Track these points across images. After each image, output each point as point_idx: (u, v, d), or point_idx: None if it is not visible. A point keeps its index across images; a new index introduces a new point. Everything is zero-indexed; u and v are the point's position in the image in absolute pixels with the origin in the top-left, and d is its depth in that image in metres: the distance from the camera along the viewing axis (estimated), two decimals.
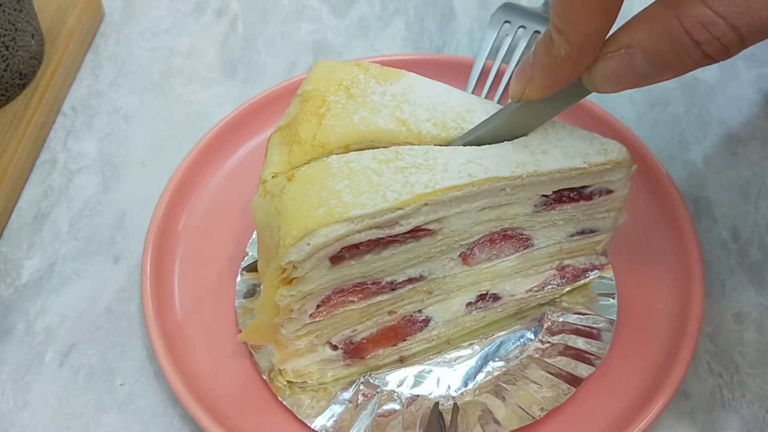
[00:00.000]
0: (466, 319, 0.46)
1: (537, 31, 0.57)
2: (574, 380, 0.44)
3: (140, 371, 0.46)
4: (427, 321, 0.45)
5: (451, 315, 0.45)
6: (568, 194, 0.42)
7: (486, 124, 0.40)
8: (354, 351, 0.43)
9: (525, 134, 0.41)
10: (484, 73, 0.55)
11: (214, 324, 0.47)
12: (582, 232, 0.45)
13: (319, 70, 0.42)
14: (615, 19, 0.32)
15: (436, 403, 0.43)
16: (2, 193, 0.52)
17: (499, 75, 0.55)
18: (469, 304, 0.45)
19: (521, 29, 0.57)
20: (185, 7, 0.65)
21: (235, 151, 0.53)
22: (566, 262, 0.47)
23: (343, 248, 0.37)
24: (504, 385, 0.44)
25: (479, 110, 0.42)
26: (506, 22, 0.58)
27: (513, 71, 0.54)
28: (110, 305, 0.49)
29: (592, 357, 0.45)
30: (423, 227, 0.39)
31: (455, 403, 0.43)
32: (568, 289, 0.47)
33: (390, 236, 0.38)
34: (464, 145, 0.40)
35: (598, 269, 0.47)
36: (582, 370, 0.44)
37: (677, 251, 0.48)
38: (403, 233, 0.38)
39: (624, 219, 0.46)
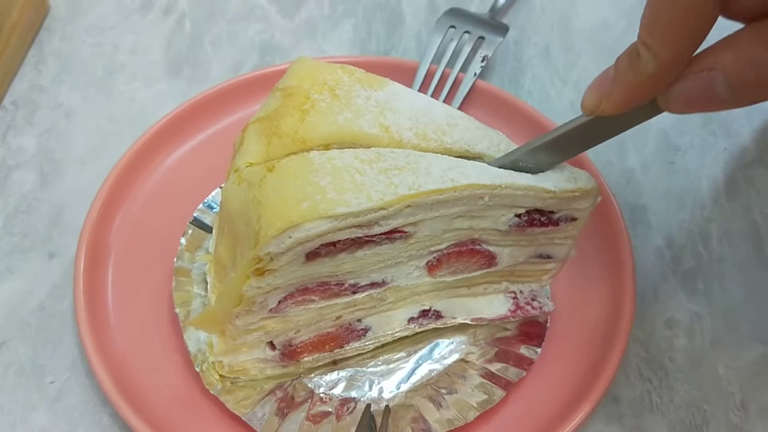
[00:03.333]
0: (404, 332, 0.46)
1: (481, 37, 0.57)
2: (506, 384, 0.44)
3: (71, 369, 0.46)
4: (365, 331, 0.45)
5: (391, 328, 0.45)
6: (539, 218, 0.42)
7: (543, 138, 0.39)
8: (290, 353, 0.43)
9: (578, 153, 0.41)
10: (429, 76, 0.55)
11: (148, 320, 0.46)
12: (539, 256, 0.45)
13: (303, 67, 0.42)
14: (704, 41, 0.31)
15: (368, 406, 0.43)
16: None
17: (443, 79, 0.56)
18: (411, 319, 0.45)
19: (466, 34, 0.58)
20: (132, 4, 0.64)
21: (175, 149, 0.53)
22: (512, 287, 0.46)
23: (321, 245, 0.37)
24: (436, 387, 0.44)
25: (460, 125, 0.42)
26: (451, 27, 0.58)
27: (456, 74, 0.55)
28: (43, 302, 0.48)
29: (525, 361, 0.45)
30: (400, 229, 0.39)
31: (387, 406, 0.43)
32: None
33: (368, 236, 0.38)
34: (507, 162, 0.40)
35: (547, 314, 0.47)
36: (513, 374, 0.44)
37: (611, 258, 0.48)
38: (381, 234, 0.39)
39: (574, 254, 0.46)
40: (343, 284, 0.41)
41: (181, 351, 0.45)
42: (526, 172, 0.41)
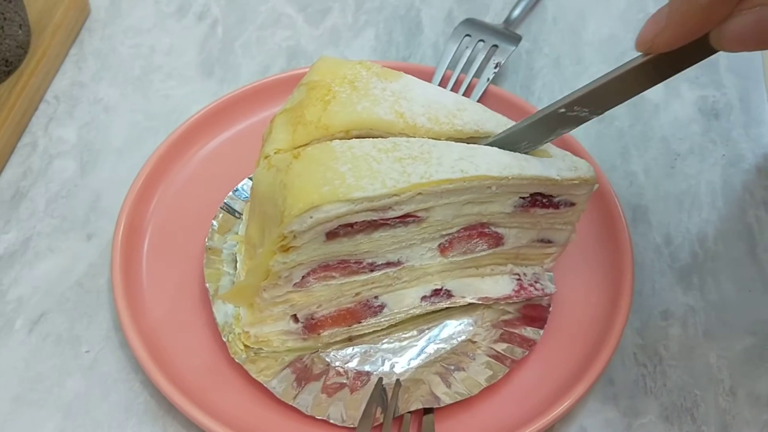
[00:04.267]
0: (417, 310, 0.49)
1: (495, 45, 0.61)
2: (510, 363, 0.47)
3: (105, 340, 0.49)
4: (381, 307, 0.48)
5: (405, 305, 0.49)
6: (540, 200, 0.46)
7: (596, 82, 0.39)
8: (312, 326, 0.47)
9: (624, 100, 0.40)
10: (444, 81, 0.59)
11: (179, 296, 0.50)
12: (541, 240, 0.49)
13: (325, 64, 0.46)
14: None
15: (380, 379, 0.47)
16: None
17: (457, 84, 0.59)
18: (423, 297, 0.49)
19: (480, 42, 0.61)
20: (168, 8, 0.68)
21: (207, 142, 0.57)
22: (517, 270, 0.50)
23: (339, 225, 0.41)
24: (445, 365, 0.47)
25: (469, 109, 0.46)
26: (467, 35, 0.62)
27: (470, 79, 0.59)
28: (81, 279, 0.52)
29: (528, 342, 0.48)
30: (413, 214, 0.43)
31: (398, 380, 0.47)
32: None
33: (383, 219, 0.42)
34: (561, 107, 0.41)
35: (548, 296, 0.50)
36: (518, 354, 0.48)
37: (612, 251, 0.51)
38: (395, 217, 0.42)
39: (574, 238, 0.49)
40: (361, 262, 0.45)
41: (210, 324, 0.48)
42: (533, 140, 0.43)
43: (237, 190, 0.53)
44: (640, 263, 0.53)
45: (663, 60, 0.37)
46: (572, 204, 0.47)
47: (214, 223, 0.51)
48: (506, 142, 0.44)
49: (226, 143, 0.57)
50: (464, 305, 0.50)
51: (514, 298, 0.50)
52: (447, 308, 0.50)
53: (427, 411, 0.46)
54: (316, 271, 0.44)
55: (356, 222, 0.42)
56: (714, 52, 0.35)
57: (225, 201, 0.52)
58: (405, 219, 0.43)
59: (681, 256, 0.54)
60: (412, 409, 0.45)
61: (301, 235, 0.41)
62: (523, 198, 0.45)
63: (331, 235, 0.42)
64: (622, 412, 0.47)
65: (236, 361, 0.46)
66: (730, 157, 0.60)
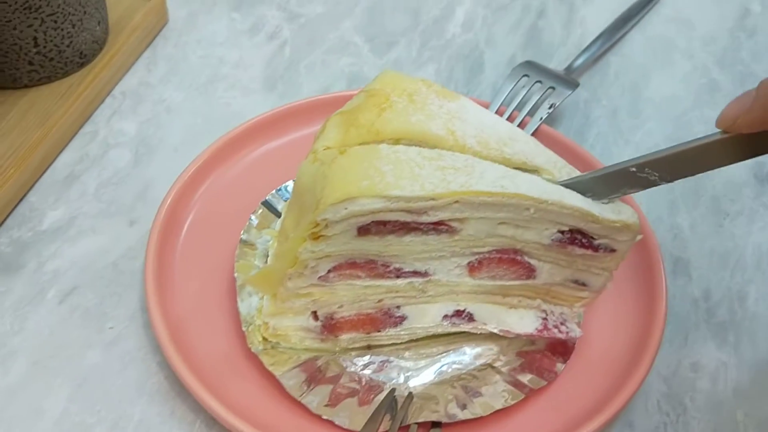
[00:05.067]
0: (437, 328, 0.48)
1: (552, 87, 0.61)
2: (528, 391, 0.46)
3: (131, 319, 0.50)
4: (402, 319, 0.48)
5: (425, 322, 0.48)
6: (580, 239, 0.45)
7: (672, 149, 0.40)
8: (331, 327, 0.47)
9: (697, 172, 0.41)
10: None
11: (208, 285, 0.51)
12: (575, 281, 0.48)
13: (387, 76, 0.47)
14: None
15: (393, 389, 0.46)
16: (41, 150, 0.57)
17: (510, 120, 0.59)
18: (445, 316, 0.48)
19: (538, 84, 0.62)
20: (242, 26, 0.71)
21: (258, 147, 0.58)
22: (545, 306, 0.49)
23: (372, 222, 0.42)
24: (461, 384, 0.47)
25: (520, 141, 0.46)
26: (525, 75, 0.62)
27: (523, 116, 0.59)
28: (117, 261, 0.53)
29: (546, 373, 0.47)
30: (447, 222, 0.43)
31: (410, 393, 0.46)
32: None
33: (416, 222, 0.42)
34: (632, 165, 0.41)
35: (573, 340, 0.49)
36: (536, 382, 0.47)
37: (646, 294, 0.50)
38: (428, 223, 0.42)
39: (609, 287, 0.49)
40: (388, 266, 0.45)
41: (233, 315, 0.48)
42: (597, 193, 0.43)
43: (280, 189, 0.54)
44: (674, 313, 0.52)
45: (743, 141, 0.37)
46: (612, 250, 0.46)
47: (252, 217, 0.52)
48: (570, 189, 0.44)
49: (277, 150, 0.58)
50: (485, 333, 0.49)
51: (536, 337, 0.48)
52: (468, 333, 0.49)
53: (435, 425, 0.45)
54: (343, 267, 0.44)
55: (389, 221, 0.42)
56: None
57: (266, 198, 0.53)
58: (438, 227, 0.43)
59: (719, 312, 0.53)
60: (420, 420, 0.44)
61: (334, 225, 0.41)
62: (562, 233, 0.45)
63: (363, 230, 0.42)
64: None
65: (252, 351, 0.46)
66: None
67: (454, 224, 0.43)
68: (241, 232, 0.51)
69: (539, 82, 0.62)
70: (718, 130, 0.38)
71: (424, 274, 0.46)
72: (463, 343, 0.49)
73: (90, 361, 0.48)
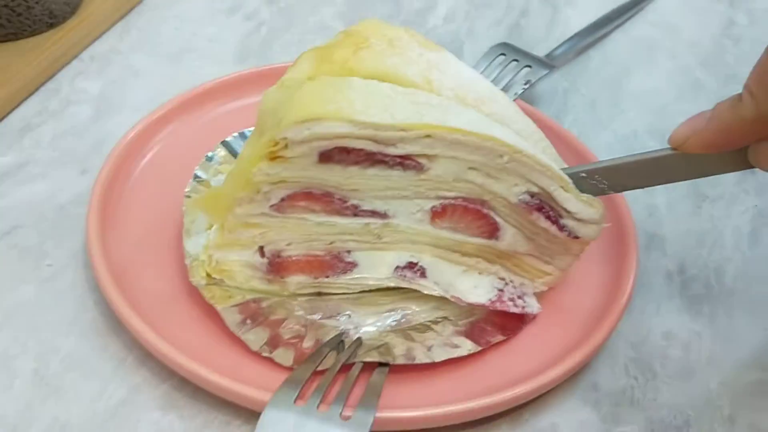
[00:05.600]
0: (387, 281, 0.45)
1: (528, 66, 0.60)
2: (484, 343, 0.43)
3: (71, 259, 0.48)
4: (352, 265, 0.45)
5: (376, 272, 0.45)
6: (547, 211, 0.43)
7: (622, 159, 0.41)
8: (278, 266, 0.44)
9: (638, 187, 0.42)
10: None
11: (156, 228, 0.48)
12: (540, 254, 0.45)
13: (369, 21, 0.45)
14: None
15: (341, 333, 0.43)
16: None
17: None
18: (397, 267, 0.45)
19: (514, 62, 0.60)
20: (220, 6, 0.70)
21: (217, 107, 0.56)
22: (503, 274, 0.46)
23: (336, 148, 0.39)
24: (413, 333, 0.44)
25: (500, 102, 0.44)
26: (501, 54, 0.61)
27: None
28: (64, 205, 0.51)
29: (510, 330, 0.44)
30: (415, 157, 0.40)
31: (359, 338, 0.43)
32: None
33: (382, 154, 0.40)
34: (582, 171, 0.42)
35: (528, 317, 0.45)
36: (491, 336, 0.44)
37: (616, 260, 0.48)
38: (395, 156, 0.40)
39: (572, 267, 0.46)
40: (345, 201, 0.42)
41: (180, 256, 0.45)
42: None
43: (243, 132, 0.51)
44: (647, 285, 0.49)
45: (692, 160, 0.37)
46: (576, 237, 0.44)
47: (210, 154, 0.49)
48: None
49: (239, 110, 0.56)
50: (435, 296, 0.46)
51: (487, 308, 0.45)
52: (418, 293, 0.45)
53: (381, 366, 0.41)
54: (297, 198, 0.42)
55: (354, 149, 0.40)
56: (748, 167, 0.36)
57: (226, 139, 0.50)
58: (405, 161, 0.41)
59: (694, 286, 0.50)
60: (366, 359, 0.41)
61: (294, 146, 0.39)
62: (531, 195, 0.42)
63: (325, 157, 0.40)
64: (601, 417, 0.43)
65: (193, 284, 0.43)
66: (762, 209, 0.56)
67: (422, 161, 0.41)
68: (196, 168, 0.48)
69: (515, 60, 0.60)
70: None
71: (383, 216, 0.43)
72: (413, 303, 0.46)
73: (22, 296, 0.45)
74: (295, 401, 0.38)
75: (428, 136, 0.40)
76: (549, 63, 0.61)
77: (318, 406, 0.38)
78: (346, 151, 0.40)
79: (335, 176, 0.41)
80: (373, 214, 0.43)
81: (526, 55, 0.61)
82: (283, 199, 0.41)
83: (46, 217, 0.50)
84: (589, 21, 0.71)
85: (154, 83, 0.61)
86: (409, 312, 0.45)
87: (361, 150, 0.40)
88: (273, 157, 0.39)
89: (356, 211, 0.43)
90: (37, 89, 0.59)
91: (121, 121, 0.57)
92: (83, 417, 0.40)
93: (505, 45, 0.62)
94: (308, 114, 0.38)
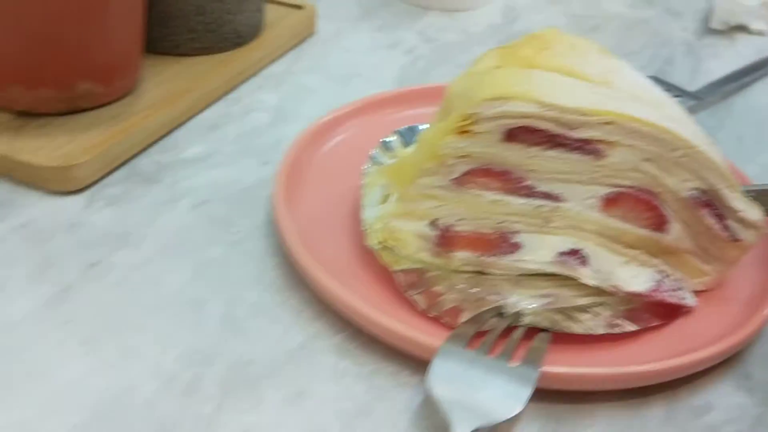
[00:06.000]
0: (549, 266, 0.48)
1: (678, 95, 0.63)
2: (643, 323, 0.45)
3: (255, 229, 0.52)
4: (517, 247, 0.47)
5: (539, 256, 0.48)
6: (714, 208, 0.45)
7: None
8: (446, 240, 0.47)
9: None
10: None
11: (336, 204, 0.52)
12: (702, 252, 0.47)
13: (552, 30, 0.49)
14: None
15: (500, 306, 0.45)
16: (189, 99, 0.62)
17: None
18: (560, 253, 0.48)
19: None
20: (382, 42, 0.76)
21: (383, 116, 0.61)
22: (663, 267, 0.48)
23: (521, 127, 0.43)
24: (571, 312, 0.46)
25: (674, 108, 0.47)
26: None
27: None
28: (247, 187, 0.56)
29: (662, 317, 0.46)
30: (595, 142, 0.43)
31: (519, 311, 0.45)
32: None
33: (564, 137, 0.43)
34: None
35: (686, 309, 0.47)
36: (648, 322, 0.45)
37: None
38: (576, 139, 0.43)
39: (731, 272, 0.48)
40: (522, 181, 0.45)
41: (354, 231, 0.50)
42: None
43: (412, 127, 0.55)
44: None
45: None
46: (737, 239, 0.46)
47: (386, 139, 0.54)
48: None
49: (404, 119, 0.60)
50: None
51: (646, 297, 0.47)
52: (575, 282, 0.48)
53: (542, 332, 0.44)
54: (477, 174, 0.45)
55: (538, 130, 0.43)
56: None
57: (399, 129, 0.55)
58: (585, 146, 0.44)
59: None
60: (529, 324, 0.44)
61: (483, 122, 0.42)
62: (700, 191, 0.45)
63: (510, 136, 0.43)
64: (755, 402, 0.43)
65: (369, 246, 0.47)
66: None
67: (601, 147, 0.44)
68: (372, 151, 0.53)
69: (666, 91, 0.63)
70: None
71: (556, 198, 0.46)
72: (568, 290, 0.48)
73: (213, 254, 0.50)
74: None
75: (610, 122, 0.43)
76: (697, 95, 0.64)
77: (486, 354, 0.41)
78: (530, 131, 0.43)
79: (516, 155, 0.44)
80: (547, 196, 0.46)
81: (675, 87, 0.64)
82: (464, 174, 0.45)
83: (232, 196, 0.55)
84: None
85: (324, 99, 0.66)
86: (565, 297, 0.47)
87: (544, 131, 0.43)
88: (462, 132, 0.43)
89: (530, 192, 0.46)
90: (221, 97, 0.65)
91: (295, 128, 0.62)
92: (266, 356, 0.44)
93: (654, 77, 0.65)
94: (499, 93, 0.42)
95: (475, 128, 0.43)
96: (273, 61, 0.71)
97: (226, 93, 0.66)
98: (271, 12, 0.73)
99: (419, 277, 0.47)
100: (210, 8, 0.65)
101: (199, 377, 0.42)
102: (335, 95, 0.67)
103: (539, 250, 0.48)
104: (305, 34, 0.76)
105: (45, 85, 0.56)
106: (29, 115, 0.57)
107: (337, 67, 0.72)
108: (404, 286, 0.45)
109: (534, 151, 0.44)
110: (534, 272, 0.48)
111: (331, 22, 0.79)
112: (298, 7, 0.76)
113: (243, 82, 0.68)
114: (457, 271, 0.48)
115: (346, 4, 0.84)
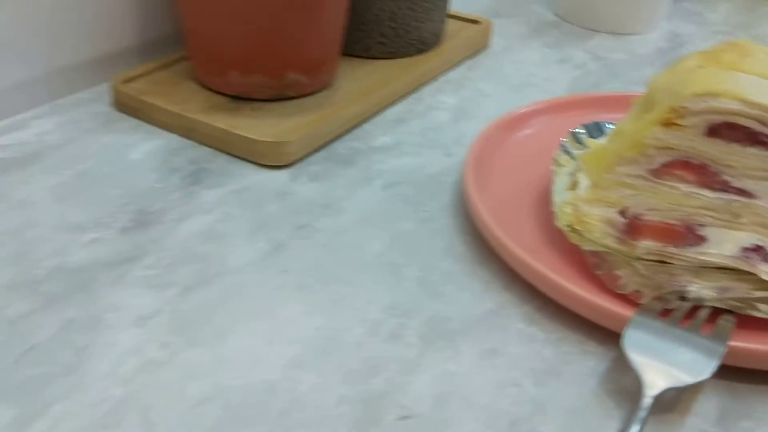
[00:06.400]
0: (730, 261, 0.50)
1: None
2: None
3: (442, 211, 0.56)
4: (702, 239, 0.49)
5: (723, 249, 0.50)
6: None
7: None
8: (633, 228, 0.49)
9: None
10: None
11: (521, 190, 0.56)
12: None
13: (747, 41, 0.52)
14: None
15: (682, 290, 0.48)
16: (376, 96, 0.67)
17: None
18: (744, 248, 0.49)
19: None
20: (553, 58, 0.80)
21: (566, 119, 0.64)
22: None
23: (724, 123, 0.45)
24: (753, 302, 0.47)
25: None
26: None
27: None
28: (434, 174, 0.60)
29: None
30: None
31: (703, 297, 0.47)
32: None
33: (765, 135, 0.45)
34: None
35: None
36: None
37: None
38: None
39: None
40: (718, 175, 0.47)
41: (540, 213, 0.53)
42: None
43: (598, 123, 0.58)
44: None
45: None
46: None
47: (576, 131, 0.57)
48: None
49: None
50: None
51: None
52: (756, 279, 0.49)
53: (726, 314, 0.46)
54: (675, 166, 0.47)
55: (741, 127, 0.45)
56: None
57: (586, 123, 0.58)
58: None
59: None
60: (715, 305, 0.46)
61: (689, 116, 0.45)
62: None
63: (712, 131, 0.46)
64: None
65: (558, 226, 0.50)
66: None
67: None
68: (563, 140, 0.56)
69: None
70: None
71: (749, 195, 0.47)
72: (749, 284, 0.49)
73: (405, 228, 0.54)
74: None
75: None
76: None
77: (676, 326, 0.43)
78: (732, 127, 0.46)
79: (716, 150, 0.47)
80: (740, 192, 0.48)
81: None
82: (662, 165, 0.48)
83: (420, 180, 0.59)
84: None
85: (500, 103, 0.71)
86: (741, 290, 0.49)
87: (746, 128, 0.46)
88: (668, 124, 0.46)
89: (725, 187, 0.48)
90: (405, 96, 0.71)
91: (475, 126, 0.66)
92: (460, 316, 0.47)
93: None
94: (707, 89, 0.45)
95: (681, 121, 0.46)
96: (451, 68, 0.76)
97: (410, 93, 0.71)
98: (451, 24, 0.79)
99: (601, 260, 0.50)
100: (401, 15, 0.71)
101: (402, 327, 0.46)
102: (510, 100, 0.71)
103: (724, 244, 0.49)
104: (480, 46, 0.80)
105: (259, 72, 0.62)
106: (242, 99, 0.63)
107: (510, 76, 0.76)
108: (592, 265, 0.48)
109: (734, 147, 0.46)
110: (715, 265, 0.50)
111: (502, 38, 0.83)
112: (475, 21, 0.81)
113: (425, 84, 0.73)
114: (639, 258, 0.50)
115: (516, 24, 0.88)
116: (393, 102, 0.69)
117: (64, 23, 0.64)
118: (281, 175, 0.59)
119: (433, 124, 0.67)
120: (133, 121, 0.64)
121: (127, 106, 0.64)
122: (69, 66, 0.65)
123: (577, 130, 0.58)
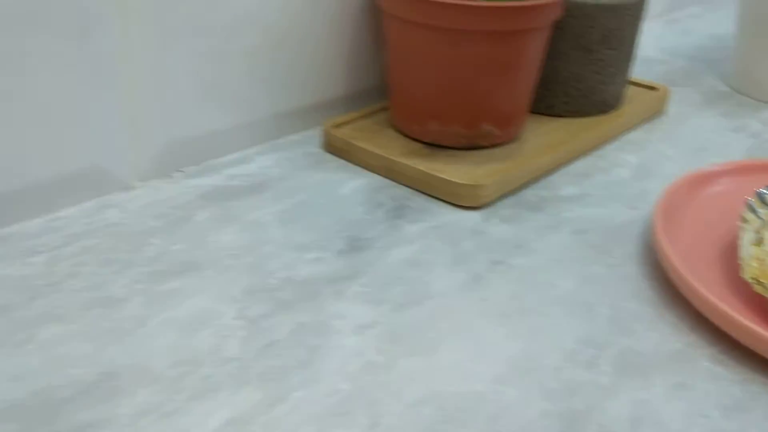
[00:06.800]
0: None
1: None
2: None
3: (629, 258, 0.59)
4: None
5: None
6: None
7: None
8: None
9: None
10: None
11: (707, 242, 0.59)
12: None
13: None
14: None
15: None
16: (563, 151, 0.72)
17: None
18: None
19: None
20: (727, 126, 0.83)
21: (748, 182, 0.67)
22: None
23: None
24: None
25: None
26: None
27: None
28: (620, 225, 0.64)
29: None
30: None
31: None
32: None
33: None
34: None
35: None
36: None
37: None
38: None
39: None
40: None
41: (725, 266, 0.56)
42: None
43: None
44: None
45: None
46: None
47: (762, 191, 0.60)
48: None
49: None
50: None
51: None
52: None
53: None
54: None
55: None
56: None
57: None
58: None
59: None
60: None
61: None
62: None
63: None
64: None
65: (743, 278, 0.53)
66: None
67: None
68: (749, 198, 0.59)
69: None
70: None
71: None
72: None
73: (594, 271, 0.58)
74: None
75: None
76: None
77: None
78: None
79: None
80: None
81: None
82: None
83: (606, 230, 0.63)
84: None
85: (680, 163, 0.74)
86: None
87: None
88: None
89: None
90: (588, 152, 0.75)
91: (657, 183, 0.70)
92: (650, 352, 0.50)
93: None
94: None
95: None
96: (630, 129, 0.80)
97: (592, 150, 0.75)
98: (630, 90, 0.83)
99: None
100: (587, 78, 0.76)
101: (596, 357, 0.49)
102: (689, 162, 0.74)
103: None
104: (656, 111, 0.84)
105: (456, 123, 0.68)
106: (437, 146, 0.69)
107: (687, 141, 0.79)
108: None
109: None
110: None
111: (678, 106, 0.87)
112: (653, 88, 0.85)
113: (606, 143, 0.77)
114: None
115: (690, 93, 0.92)
116: (577, 156, 0.74)
117: (285, 76, 0.72)
118: (475, 215, 0.64)
119: (617, 180, 0.71)
120: (341, 162, 0.71)
121: (335, 148, 0.71)
122: (286, 112, 0.74)
123: (762, 190, 0.61)
